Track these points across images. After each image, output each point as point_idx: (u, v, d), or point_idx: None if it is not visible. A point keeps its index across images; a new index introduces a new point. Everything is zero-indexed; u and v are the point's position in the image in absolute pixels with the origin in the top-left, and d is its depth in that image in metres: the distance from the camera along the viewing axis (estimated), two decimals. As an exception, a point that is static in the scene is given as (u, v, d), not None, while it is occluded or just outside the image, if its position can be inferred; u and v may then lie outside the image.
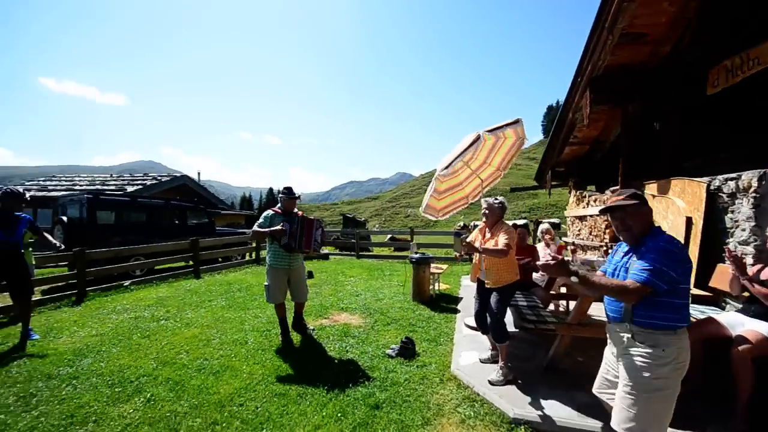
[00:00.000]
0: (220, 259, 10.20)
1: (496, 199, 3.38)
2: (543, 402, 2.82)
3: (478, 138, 4.13)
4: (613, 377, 1.96)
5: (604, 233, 5.84)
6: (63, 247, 6.45)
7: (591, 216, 6.41)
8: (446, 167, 4.23)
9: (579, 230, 7.10)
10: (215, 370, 3.46)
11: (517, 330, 3.90)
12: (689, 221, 4.05)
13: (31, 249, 5.38)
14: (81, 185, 15.76)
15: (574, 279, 1.75)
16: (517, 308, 3.80)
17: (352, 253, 12.37)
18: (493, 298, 3.27)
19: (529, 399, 2.88)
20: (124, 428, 2.59)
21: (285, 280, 4.14)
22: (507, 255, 3.15)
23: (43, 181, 17.17)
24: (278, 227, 3.94)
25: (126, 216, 8.98)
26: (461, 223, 4.13)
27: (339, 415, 2.75)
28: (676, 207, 4.29)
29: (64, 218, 8.02)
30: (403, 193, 72.58)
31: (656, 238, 1.78)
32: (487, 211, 3.35)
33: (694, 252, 3.86)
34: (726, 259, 2.98)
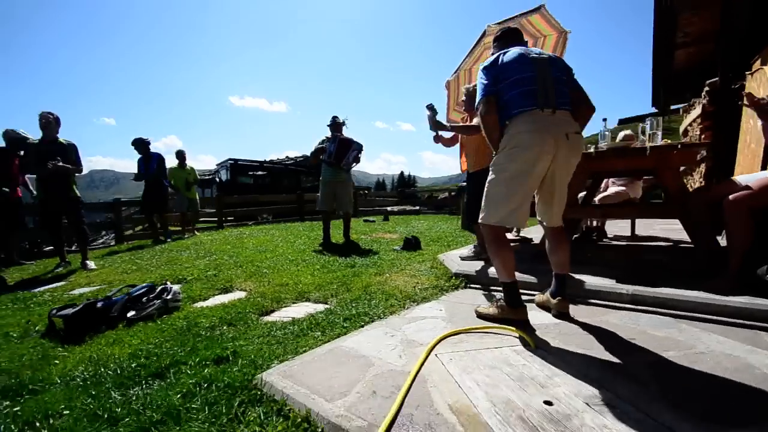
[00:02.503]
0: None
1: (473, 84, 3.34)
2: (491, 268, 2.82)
3: (484, 34, 4.03)
4: None
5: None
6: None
7: (689, 126, 5.11)
8: (455, 72, 4.25)
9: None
10: (263, 250, 4.58)
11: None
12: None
13: (195, 187, 7.47)
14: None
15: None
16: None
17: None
18: (472, 181, 3.31)
19: (482, 264, 2.93)
20: (190, 265, 3.86)
21: (331, 192, 4.96)
22: (480, 131, 3.10)
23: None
24: (320, 146, 4.84)
25: (258, 178, 11.54)
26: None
27: (317, 270, 3.41)
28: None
29: (217, 179, 10.94)
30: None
31: None
32: (464, 98, 3.34)
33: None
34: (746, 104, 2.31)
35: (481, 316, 1.97)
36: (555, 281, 1.98)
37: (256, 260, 3.97)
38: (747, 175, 2.32)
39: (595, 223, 4.52)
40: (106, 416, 1.25)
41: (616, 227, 4.96)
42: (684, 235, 3.62)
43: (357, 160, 5.00)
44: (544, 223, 1.97)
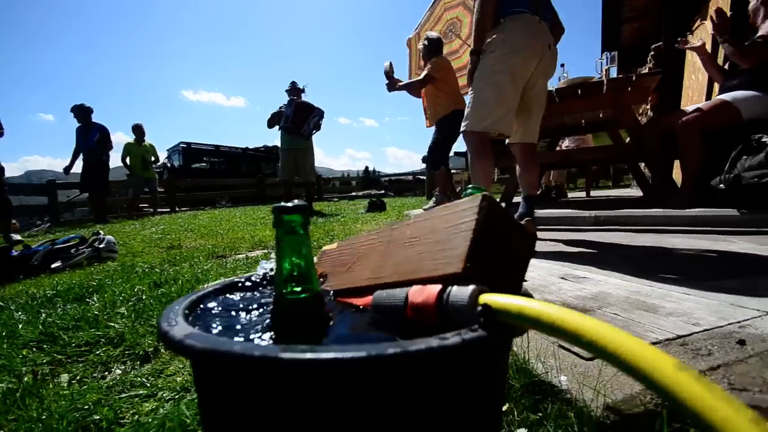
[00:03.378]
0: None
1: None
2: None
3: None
4: None
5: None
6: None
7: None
8: (416, 29, 4.16)
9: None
10: (218, 220, 4.27)
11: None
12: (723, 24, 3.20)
13: (155, 168, 6.57)
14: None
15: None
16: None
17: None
18: (434, 131, 3.25)
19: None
20: (135, 234, 3.50)
21: (291, 160, 4.67)
22: (425, 83, 3.05)
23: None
24: (277, 111, 4.54)
25: (213, 163, 10.92)
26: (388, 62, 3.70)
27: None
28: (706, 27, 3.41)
29: (168, 164, 10.21)
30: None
31: None
32: (422, 51, 3.27)
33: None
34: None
35: None
36: (524, 203, 1.93)
37: (209, 226, 3.69)
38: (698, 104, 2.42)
39: (554, 182, 4.66)
40: (4, 333, 1.02)
41: (571, 194, 5.16)
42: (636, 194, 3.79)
43: (318, 126, 4.78)
44: (521, 140, 1.85)
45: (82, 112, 5.06)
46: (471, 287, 0.25)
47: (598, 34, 6.77)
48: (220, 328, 0.29)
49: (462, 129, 1.79)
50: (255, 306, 0.34)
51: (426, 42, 3.20)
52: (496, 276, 0.28)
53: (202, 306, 0.34)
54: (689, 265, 1.22)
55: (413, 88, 3.10)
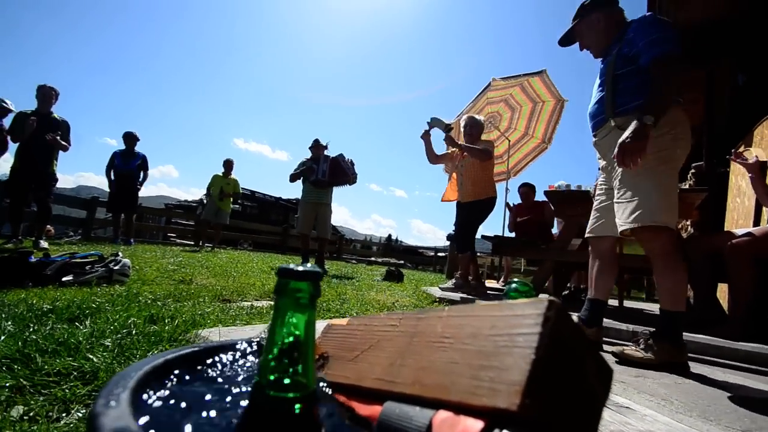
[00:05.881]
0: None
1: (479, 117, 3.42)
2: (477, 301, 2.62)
3: (488, 86, 4.24)
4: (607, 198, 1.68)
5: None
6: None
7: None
8: (458, 116, 4.40)
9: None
10: (235, 261, 4.26)
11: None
12: (764, 167, 3.16)
13: (232, 200, 7.00)
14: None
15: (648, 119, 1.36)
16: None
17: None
18: (464, 211, 3.22)
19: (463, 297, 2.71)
20: (152, 261, 3.53)
21: (312, 215, 4.76)
22: (487, 156, 3.08)
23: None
24: (306, 167, 4.73)
25: (245, 206, 11.36)
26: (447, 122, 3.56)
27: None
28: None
29: (204, 201, 10.71)
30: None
31: (635, 21, 1.53)
32: (469, 128, 3.34)
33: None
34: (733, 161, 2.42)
35: (629, 360, 1.47)
36: (589, 307, 1.73)
37: (225, 266, 3.67)
38: (746, 228, 2.29)
39: (582, 284, 4.41)
40: (-18, 343, 0.96)
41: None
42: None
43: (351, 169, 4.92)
44: (613, 233, 1.62)
45: (131, 138, 5.57)
46: (530, 441, 0.17)
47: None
48: (172, 422, 0.21)
49: (644, 224, 1.41)
50: (233, 388, 0.27)
51: (474, 121, 3.29)
52: (562, 424, 0.20)
53: (168, 375, 0.27)
54: (753, 413, 1.02)
55: (473, 154, 3.11)
